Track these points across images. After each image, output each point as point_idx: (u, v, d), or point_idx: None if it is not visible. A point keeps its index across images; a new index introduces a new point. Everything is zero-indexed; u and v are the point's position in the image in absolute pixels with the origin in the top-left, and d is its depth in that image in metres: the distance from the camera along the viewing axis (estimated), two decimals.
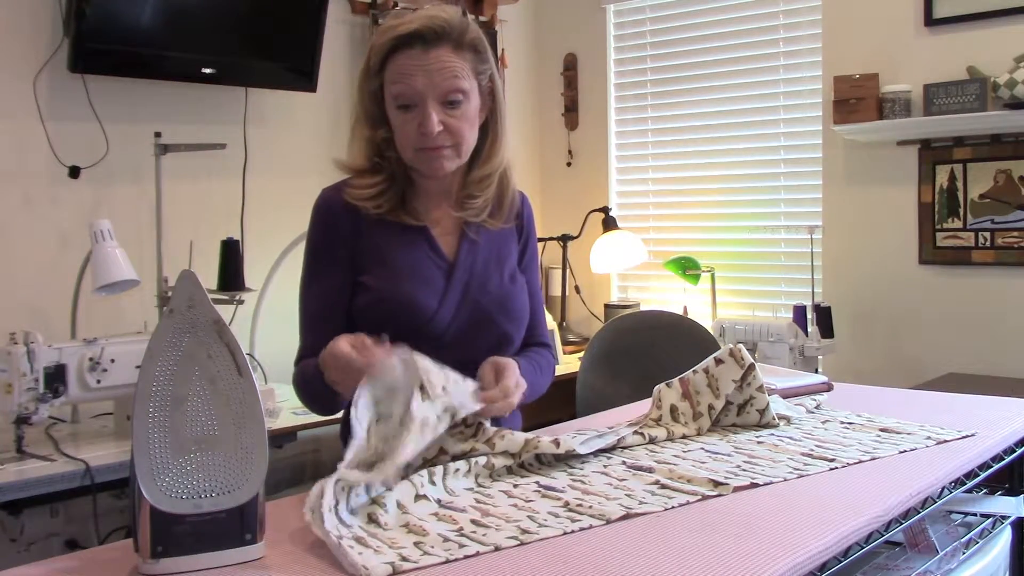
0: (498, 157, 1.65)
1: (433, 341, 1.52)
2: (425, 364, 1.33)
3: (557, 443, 1.40)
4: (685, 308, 3.85)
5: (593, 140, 4.29)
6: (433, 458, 1.35)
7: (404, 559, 1.04)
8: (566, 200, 4.32)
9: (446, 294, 1.59)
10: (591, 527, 1.15)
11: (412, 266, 1.59)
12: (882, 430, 1.60)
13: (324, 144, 3.41)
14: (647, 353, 2.91)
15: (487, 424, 1.42)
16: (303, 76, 3.28)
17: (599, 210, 3.98)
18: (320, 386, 1.46)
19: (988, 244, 3.21)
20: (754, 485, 1.29)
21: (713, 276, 3.84)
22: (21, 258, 2.77)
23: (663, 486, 1.30)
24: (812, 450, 1.47)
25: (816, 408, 1.78)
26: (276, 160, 3.35)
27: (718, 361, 1.64)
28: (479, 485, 1.33)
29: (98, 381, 2.32)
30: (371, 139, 1.60)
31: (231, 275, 2.81)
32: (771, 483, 1.31)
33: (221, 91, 3.17)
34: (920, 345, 3.37)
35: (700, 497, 1.25)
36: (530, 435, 1.41)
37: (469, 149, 1.60)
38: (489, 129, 1.64)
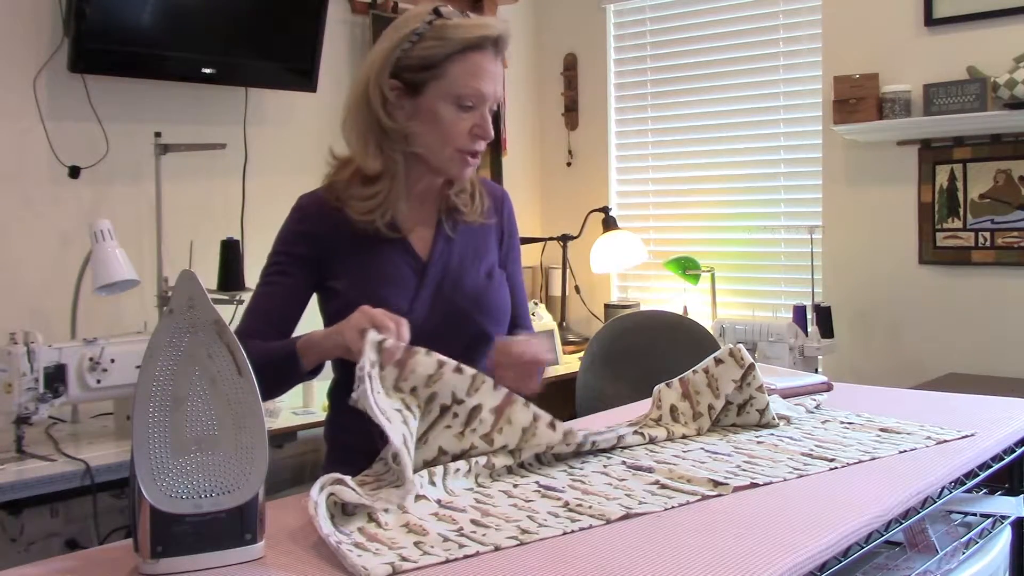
0: None
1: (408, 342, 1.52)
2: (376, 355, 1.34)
3: (553, 425, 1.40)
4: (685, 308, 3.85)
5: (593, 140, 4.29)
6: (433, 459, 1.35)
7: (404, 559, 1.04)
8: (566, 200, 4.32)
9: (418, 293, 1.59)
10: (591, 527, 1.15)
11: (383, 267, 1.59)
12: (882, 430, 1.60)
13: (324, 144, 3.39)
14: (647, 353, 2.91)
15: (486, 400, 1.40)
16: (303, 76, 3.29)
17: (599, 210, 3.98)
18: (279, 366, 1.48)
19: (988, 244, 3.21)
20: (754, 485, 1.29)
21: (713, 276, 3.84)
22: (21, 258, 2.77)
23: (663, 486, 1.29)
24: (812, 450, 1.47)
25: (816, 408, 1.78)
26: (276, 160, 3.35)
27: (718, 361, 1.64)
28: (479, 485, 1.33)
29: (98, 381, 2.32)
30: (392, 132, 1.56)
31: (231, 275, 2.82)
32: (771, 483, 1.31)
33: (221, 91, 3.17)
34: (920, 345, 3.37)
35: (700, 497, 1.25)
36: (526, 420, 1.41)
37: None
38: None
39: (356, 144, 1.61)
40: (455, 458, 1.36)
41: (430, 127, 1.55)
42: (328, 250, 1.60)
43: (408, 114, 1.56)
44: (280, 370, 1.49)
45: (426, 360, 1.34)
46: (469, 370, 1.37)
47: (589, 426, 1.65)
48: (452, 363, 1.36)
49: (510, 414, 1.38)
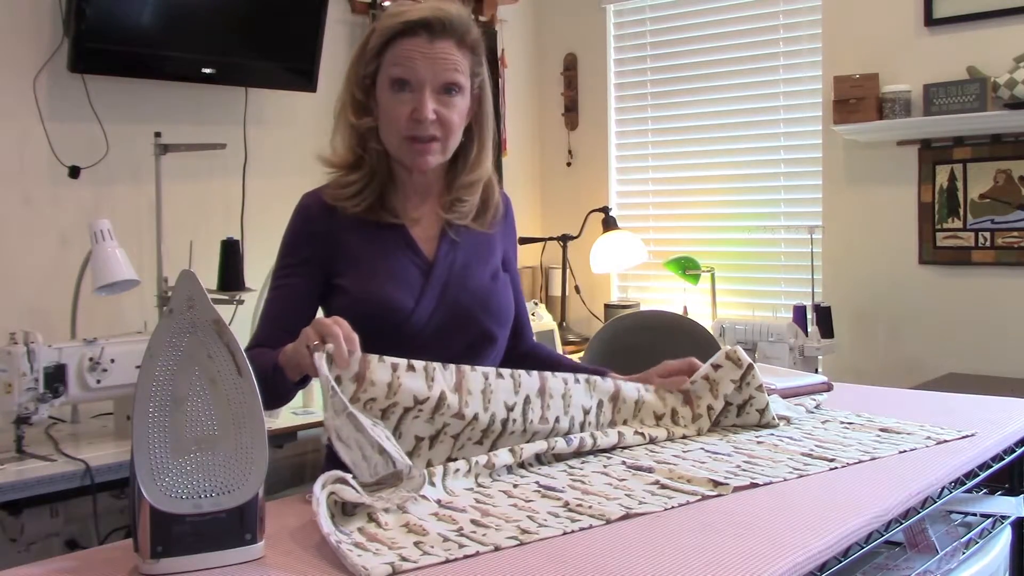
0: (486, 164, 1.68)
1: (412, 340, 1.52)
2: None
3: (500, 374, 1.43)
4: (685, 308, 3.85)
5: (593, 140, 4.29)
6: (413, 448, 1.36)
7: (404, 559, 1.04)
8: (566, 200, 4.32)
9: (423, 293, 1.58)
10: (591, 527, 1.15)
11: (388, 266, 1.59)
12: (882, 430, 1.60)
13: (324, 144, 3.40)
14: (647, 353, 2.89)
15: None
16: (303, 76, 3.29)
17: (599, 210, 3.98)
18: (269, 379, 1.42)
19: (988, 244, 3.21)
20: (754, 485, 1.29)
21: (713, 276, 3.84)
22: (21, 258, 2.77)
23: (663, 486, 1.30)
24: (812, 450, 1.47)
25: (816, 408, 1.78)
26: (276, 160, 3.35)
27: (716, 367, 1.64)
28: (479, 485, 1.33)
29: (98, 381, 2.32)
30: (356, 128, 1.61)
31: (231, 275, 2.82)
32: (771, 483, 1.31)
33: (221, 91, 3.17)
34: (920, 345, 3.37)
35: (700, 497, 1.25)
36: (480, 383, 1.41)
37: (454, 146, 1.61)
38: (475, 135, 1.65)
39: (335, 137, 1.66)
40: (432, 440, 1.37)
41: (380, 118, 1.59)
42: (333, 248, 1.60)
43: (368, 110, 1.61)
44: (270, 382, 1.47)
45: (380, 367, 1.34)
46: (419, 364, 1.37)
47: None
48: (403, 363, 1.36)
49: (468, 385, 1.40)
